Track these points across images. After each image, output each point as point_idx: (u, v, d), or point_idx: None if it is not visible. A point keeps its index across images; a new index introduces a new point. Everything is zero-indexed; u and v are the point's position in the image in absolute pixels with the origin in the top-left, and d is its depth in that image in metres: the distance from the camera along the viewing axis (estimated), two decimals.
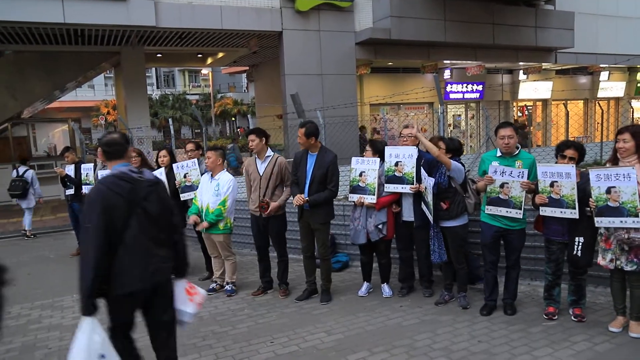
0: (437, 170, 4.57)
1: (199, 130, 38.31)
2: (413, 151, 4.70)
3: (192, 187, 5.65)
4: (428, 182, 4.49)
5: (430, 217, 4.53)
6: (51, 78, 13.37)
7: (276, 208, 4.99)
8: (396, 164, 4.76)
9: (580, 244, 3.94)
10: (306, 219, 4.91)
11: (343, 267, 6.15)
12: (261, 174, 5.04)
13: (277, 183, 5.04)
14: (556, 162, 4.12)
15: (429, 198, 4.49)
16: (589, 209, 3.87)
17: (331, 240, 6.21)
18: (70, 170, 7.13)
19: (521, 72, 17.96)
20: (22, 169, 8.46)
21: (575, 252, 3.98)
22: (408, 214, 4.80)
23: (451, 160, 4.43)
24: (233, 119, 45.42)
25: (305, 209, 4.86)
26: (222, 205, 5.17)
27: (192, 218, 5.21)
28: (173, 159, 5.98)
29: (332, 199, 4.93)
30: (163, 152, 5.96)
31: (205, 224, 5.17)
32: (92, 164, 7.12)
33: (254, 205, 5.12)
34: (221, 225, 5.22)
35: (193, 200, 5.39)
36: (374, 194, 4.79)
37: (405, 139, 4.86)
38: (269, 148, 5.12)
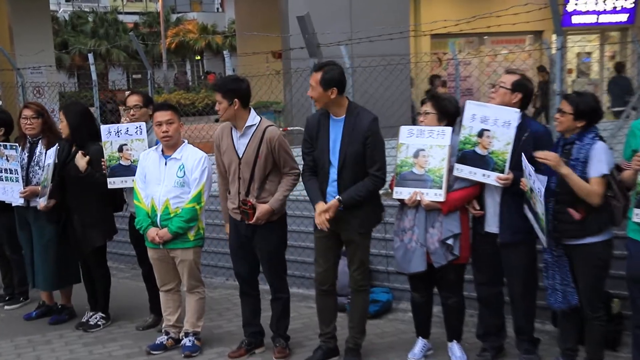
0: (554, 151, 4.49)
1: (139, 76, 38.50)
2: (512, 116, 4.64)
3: (131, 170, 5.63)
4: (537, 181, 4.39)
5: (543, 237, 4.46)
6: None
7: (267, 214, 5.00)
8: (480, 134, 4.72)
9: None
10: (330, 226, 4.86)
11: (382, 311, 6.16)
12: (240, 156, 5.05)
13: (267, 170, 5.05)
14: None
15: (539, 207, 4.41)
16: None
17: None
18: None
19: None
20: None
21: None
22: (494, 222, 4.78)
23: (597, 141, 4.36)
24: (198, 57, 45.42)
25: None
26: (196, 201, 5.22)
27: (152, 234, 5.23)
28: (87, 124, 5.92)
29: (378, 191, 4.92)
30: (61, 114, 5.91)
31: (164, 233, 5.21)
32: None
33: (232, 205, 5.14)
34: (191, 234, 5.28)
35: (135, 201, 5.39)
36: (440, 187, 4.76)
37: (493, 93, 4.80)
38: (251, 110, 5.10)
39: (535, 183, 4.38)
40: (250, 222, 4.98)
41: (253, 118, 5.06)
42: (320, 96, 4.78)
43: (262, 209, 4.97)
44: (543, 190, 4.32)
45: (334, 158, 4.80)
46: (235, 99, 4.94)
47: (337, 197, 4.77)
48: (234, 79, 5.19)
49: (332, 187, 4.84)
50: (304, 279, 6.81)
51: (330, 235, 4.93)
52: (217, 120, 5.00)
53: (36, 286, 6.31)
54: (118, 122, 6.04)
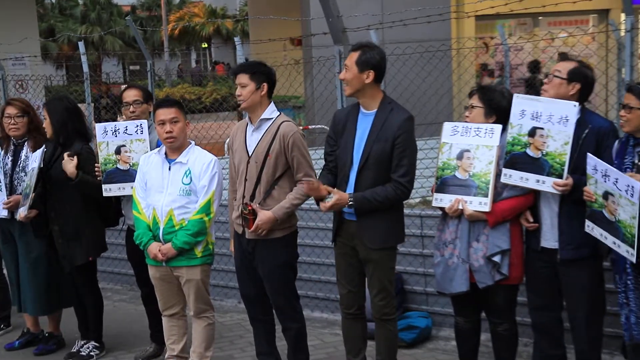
0: (622, 153, 4.48)
1: (137, 67, 38.84)
2: (570, 111, 4.61)
3: (130, 175, 5.66)
4: (622, 179, 4.25)
5: (632, 251, 4.29)
6: None
7: (269, 223, 4.99)
8: (532, 133, 4.70)
9: None
10: (348, 240, 4.93)
11: (420, 339, 6.18)
12: (250, 153, 5.09)
13: (277, 173, 5.06)
14: None
15: (625, 212, 4.27)
16: None
17: (395, 284, 6.20)
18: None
19: None
20: None
21: None
22: (551, 236, 4.76)
23: None
24: (204, 45, 45.72)
25: (347, 219, 4.89)
26: (205, 212, 5.22)
27: (154, 250, 5.23)
28: (73, 123, 5.97)
29: (400, 202, 4.92)
30: (44, 111, 5.99)
31: (167, 249, 5.22)
32: None
33: (235, 213, 5.17)
34: (199, 249, 5.29)
35: (134, 212, 5.40)
36: (486, 194, 4.76)
37: (546, 84, 4.79)
38: (271, 103, 5.17)
39: (619, 182, 4.25)
40: (249, 230, 4.99)
41: (271, 111, 5.11)
42: (354, 78, 4.80)
43: (263, 215, 4.95)
44: (637, 189, 4.14)
45: (358, 155, 4.82)
46: (264, 83, 5.04)
47: (349, 193, 4.77)
48: (262, 63, 5.25)
49: (350, 191, 4.83)
50: (328, 302, 6.83)
51: (351, 252, 4.94)
52: (237, 106, 5.00)
53: (23, 310, 6.33)
54: (114, 120, 6.06)
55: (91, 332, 6.20)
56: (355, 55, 4.81)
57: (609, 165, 4.33)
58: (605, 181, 4.35)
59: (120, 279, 8.15)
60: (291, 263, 5.23)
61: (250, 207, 4.96)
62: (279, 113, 5.16)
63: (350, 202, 4.75)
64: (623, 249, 4.31)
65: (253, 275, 5.22)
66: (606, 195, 4.36)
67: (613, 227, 4.37)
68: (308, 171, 5.06)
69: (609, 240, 4.41)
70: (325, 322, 6.54)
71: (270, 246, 5.06)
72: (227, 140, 5.42)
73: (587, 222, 4.55)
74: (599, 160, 4.39)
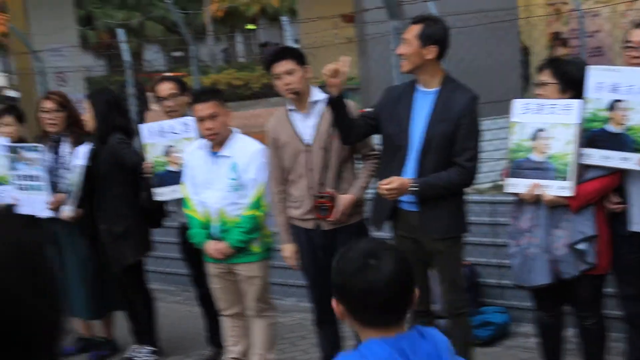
0: None
1: (182, 53, 39.20)
2: None
3: (180, 176, 5.59)
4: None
5: None
6: None
7: (351, 205, 5.01)
8: (611, 106, 4.62)
9: None
10: (408, 232, 4.89)
11: (497, 335, 6.16)
12: (310, 142, 5.09)
13: (344, 156, 5.08)
14: None
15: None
16: None
17: (468, 277, 6.17)
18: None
19: None
20: None
21: None
22: None
23: None
24: (251, 26, 45.89)
25: (406, 209, 4.84)
26: (256, 207, 5.25)
27: (212, 247, 5.27)
28: (114, 117, 6.03)
29: (463, 188, 4.89)
30: (88, 103, 6.02)
31: (224, 247, 5.26)
32: None
33: (299, 209, 5.15)
34: (256, 245, 5.33)
35: (186, 209, 5.44)
36: (565, 177, 4.67)
37: (631, 50, 4.70)
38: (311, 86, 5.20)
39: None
40: (329, 218, 4.99)
41: (317, 92, 5.14)
42: (414, 53, 4.74)
43: (344, 199, 4.99)
44: None
45: (416, 137, 4.76)
46: (307, 66, 5.13)
47: (412, 178, 4.69)
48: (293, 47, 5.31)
49: (410, 176, 4.76)
50: None
51: (412, 246, 4.87)
52: (296, 93, 5.08)
53: (73, 314, 6.34)
54: (143, 112, 6.11)
55: (145, 336, 6.27)
56: (416, 29, 4.75)
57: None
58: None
59: (172, 280, 8.21)
60: None
61: (328, 194, 4.98)
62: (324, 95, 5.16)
63: (414, 188, 4.68)
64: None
65: (326, 272, 5.21)
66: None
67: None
68: (371, 144, 5.16)
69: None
70: None
71: (353, 231, 5.08)
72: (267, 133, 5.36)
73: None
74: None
